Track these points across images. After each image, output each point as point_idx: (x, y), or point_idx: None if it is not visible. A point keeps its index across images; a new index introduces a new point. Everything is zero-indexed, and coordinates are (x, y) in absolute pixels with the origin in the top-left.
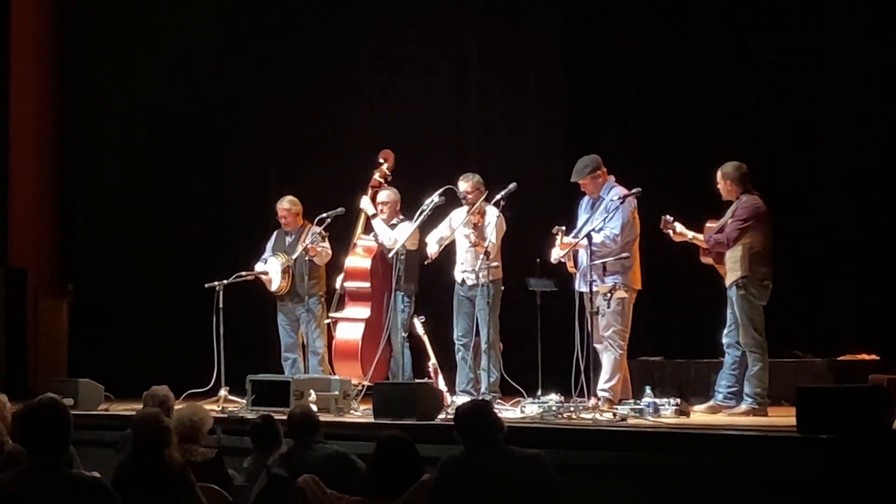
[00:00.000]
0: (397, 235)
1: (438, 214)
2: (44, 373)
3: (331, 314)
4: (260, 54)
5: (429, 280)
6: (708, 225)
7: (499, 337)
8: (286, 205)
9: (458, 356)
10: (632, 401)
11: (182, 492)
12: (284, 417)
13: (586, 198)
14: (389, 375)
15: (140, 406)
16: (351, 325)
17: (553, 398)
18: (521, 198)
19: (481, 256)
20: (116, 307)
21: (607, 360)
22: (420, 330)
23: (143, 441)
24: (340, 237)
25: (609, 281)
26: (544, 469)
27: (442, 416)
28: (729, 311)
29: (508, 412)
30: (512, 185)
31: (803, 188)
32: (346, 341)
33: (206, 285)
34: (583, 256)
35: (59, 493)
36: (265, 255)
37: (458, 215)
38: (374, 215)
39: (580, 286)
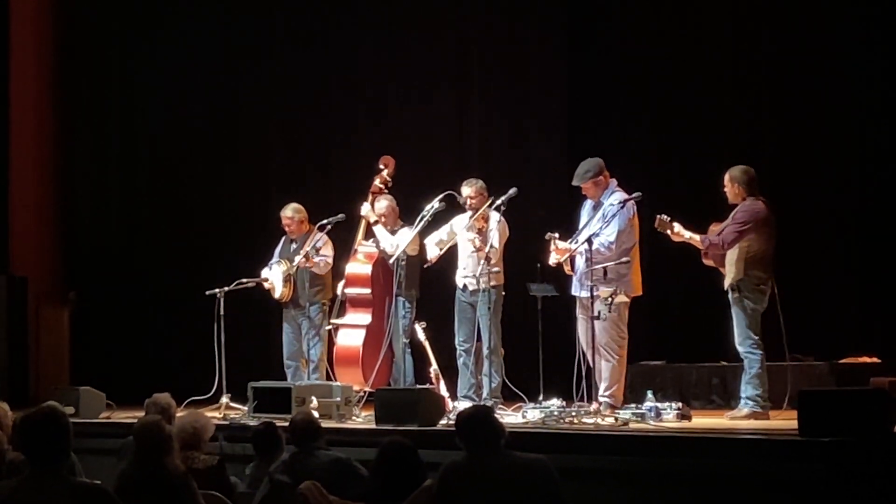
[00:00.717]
0: (398, 241)
1: (439, 220)
2: (45, 381)
3: (332, 320)
4: (261, 60)
5: (430, 285)
6: (712, 228)
7: (500, 342)
8: (289, 213)
9: (460, 362)
10: (633, 405)
11: (184, 499)
12: (286, 424)
13: (588, 201)
14: (391, 381)
15: (142, 414)
16: (352, 332)
17: (555, 403)
18: (523, 203)
19: (482, 261)
20: (118, 315)
21: (605, 367)
22: (421, 335)
23: (145, 449)
24: (342, 243)
25: (611, 286)
26: (546, 474)
27: (444, 421)
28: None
29: (510, 417)
30: (513, 190)
31: (806, 191)
32: (347, 348)
33: (207, 292)
34: (579, 261)
35: (61, 500)
36: (272, 262)
37: (459, 221)
38: (376, 222)
39: (576, 290)
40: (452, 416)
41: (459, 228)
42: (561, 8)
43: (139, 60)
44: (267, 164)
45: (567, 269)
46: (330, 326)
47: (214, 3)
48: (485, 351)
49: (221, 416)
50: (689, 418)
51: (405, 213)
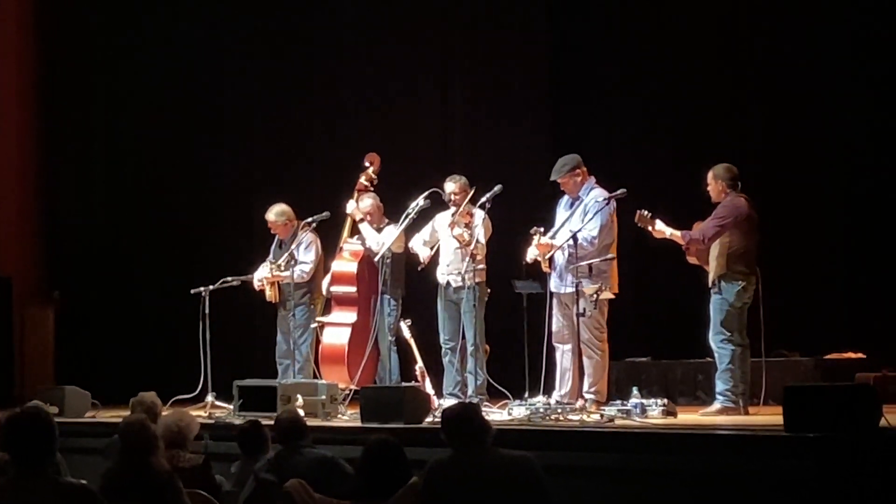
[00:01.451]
0: (384, 239)
1: (424, 217)
2: (30, 381)
3: (317, 318)
4: (245, 60)
5: (415, 283)
6: (695, 226)
7: (485, 339)
8: (272, 217)
9: (445, 359)
10: (619, 402)
11: (169, 498)
12: (272, 422)
13: (565, 197)
14: (376, 379)
15: (127, 413)
16: (338, 330)
17: (540, 400)
18: (507, 200)
19: (467, 259)
20: (102, 314)
21: (589, 364)
22: (406, 333)
23: (130, 448)
24: (327, 241)
25: (596, 283)
26: (532, 471)
27: (429, 419)
28: None
29: (496, 415)
30: (497, 187)
31: (791, 188)
32: (332, 346)
33: (192, 291)
34: (559, 257)
35: (47, 500)
36: (268, 259)
37: (442, 218)
38: (362, 219)
39: (556, 286)
40: (438, 413)
41: (442, 225)
42: (543, 4)
43: (122, 60)
44: (251, 163)
45: (545, 265)
46: (315, 324)
47: (198, 2)
48: (469, 348)
49: (207, 414)
50: (674, 415)
51: (390, 210)
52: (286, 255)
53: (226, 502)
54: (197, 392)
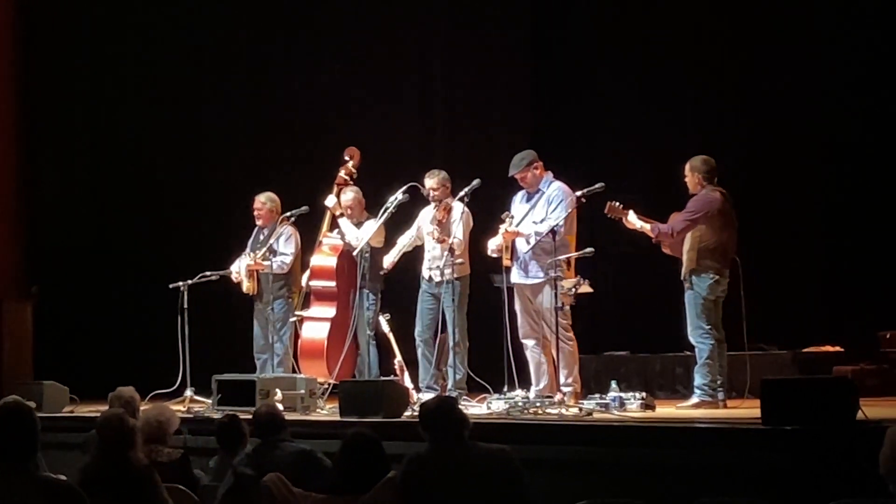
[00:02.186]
0: (362, 234)
1: (403, 212)
2: (8, 375)
3: (296, 312)
4: (226, 53)
5: (394, 278)
6: (672, 217)
7: (466, 334)
8: (262, 199)
9: (419, 352)
10: (598, 395)
11: (148, 493)
12: (250, 417)
13: (520, 192)
14: (355, 373)
15: (105, 407)
16: (317, 325)
17: (519, 394)
18: (486, 195)
19: (446, 253)
20: (81, 309)
21: (562, 356)
22: (385, 328)
23: (109, 442)
24: (306, 235)
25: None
26: (510, 465)
27: (408, 413)
28: None
29: (475, 409)
30: (476, 181)
31: (770, 181)
32: (311, 340)
33: (171, 286)
34: (522, 248)
35: (29, 496)
36: (244, 254)
37: (427, 214)
38: (341, 214)
39: (521, 278)
40: (416, 407)
41: (425, 220)
42: (525, 1)
43: (104, 53)
44: (232, 159)
45: (506, 258)
46: (294, 318)
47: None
48: (450, 342)
49: (185, 409)
50: (653, 408)
51: (370, 204)
52: (265, 247)
53: (204, 496)
54: (175, 387)
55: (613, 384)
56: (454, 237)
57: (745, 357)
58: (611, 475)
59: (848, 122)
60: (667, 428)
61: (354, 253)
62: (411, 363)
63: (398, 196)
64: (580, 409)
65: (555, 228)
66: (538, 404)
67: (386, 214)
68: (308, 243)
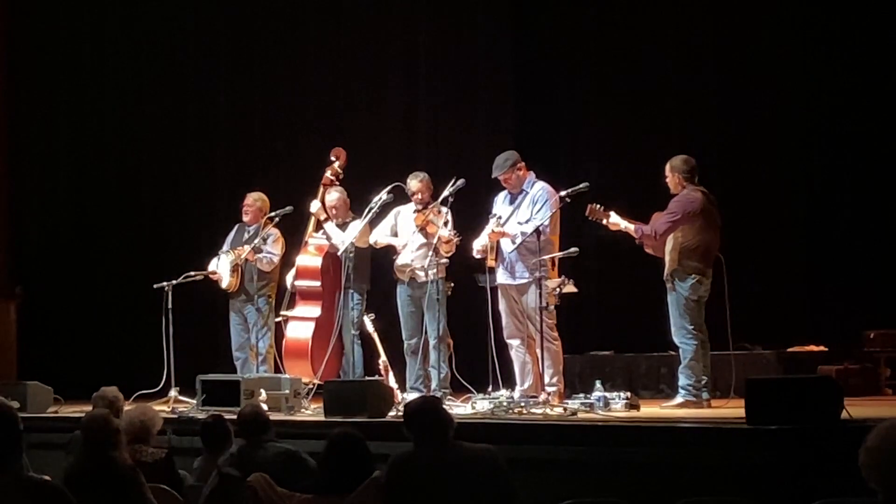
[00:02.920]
0: (346, 237)
1: (387, 212)
2: None
3: (282, 312)
4: (209, 52)
5: (379, 277)
6: (654, 217)
7: (448, 333)
8: (254, 196)
9: (408, 354)
10: (582, 395)
11: (132, 493)
12: (234, 417)
13: (502, 193)
14: (340, 373)
15: (89, 408)
16: (301, 324)
17: (504, 394)
18: (470, 196)
19: (430, 253)
20: (65, 309)
21: (547, 355)
22: (370, 327)
23: (93, 442)
24: (291, 236)
25: (558, 276)
26: (495, 464)
27: (392, 413)
28: None
29: (459, 408)
30: (460, 182)
31: (754, 180)
32: (296, 340)
33: (155, 286)
34: (507, 249)
35: (14, 496)
36: (221, 251)
37: (405, 211)
38: (326, 219)
39: (506, 279)
40: (401, 407)
41: (405, 219)
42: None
43: (87, 53)
44: (215, 159)
45: (490, 259)
46: (279, 318)
47: (161, 1)
48: (432, 342)
49: (170, 409)
50: (637, 408)
51: (354, 204)
52: (258, 239)
53: (189, 497)
54: (160, 387)
55: (598, 384)
56: (440, 234)
57: (730, 357)
58: (595, 475)
59: (832, 121)
60: (651, 428)
61: (339, 253)
62: (396, 363)
63: (382, 196)
64: (565, 409)
65: (539, 228)
66: (523, 404)
67: (370, 215)
68: (291, 244)
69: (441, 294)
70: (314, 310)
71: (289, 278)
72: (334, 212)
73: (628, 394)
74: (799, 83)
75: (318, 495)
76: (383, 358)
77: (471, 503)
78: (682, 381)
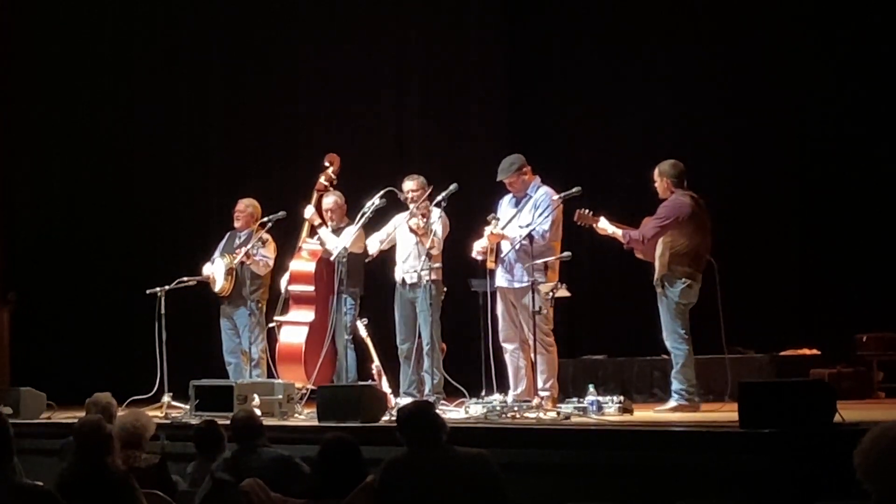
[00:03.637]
0: (339, 243)
1: (381, 217)
2: None
3: (275, 317)
4: (201, 58)
5: (372, 282)
6: (644, 221)
7: (441, 337)
8: (246, 202)
9: (402, 358)
10: (575, 399)
11: (125, 499)
12: (228, 422)
13: (507, 196)
14: (333, 378)
15: (83, 413)
16: (295, 329)
17: (497, 398)
18: (463, 199)
19: (423, 257)
20: (58, 315)
21: (542, 361)
22: (363, 332)
23: (86, 448)
24: (286, 240)
25: (553, 280)
26: (488, 469)
27: (386, 417)
28: None
29: (452, 413)
30: (453, 186)
31: (746, 185)
32: (289, 345)
33: (148, 291)
34: (507, 252)
35: (7, 502)
36: (214, 256)
37: (401, 218)
38: (320, 224)
39: (506, 282)
40: (395, 412)
41: (400, 224)
42: (500, 4)
43: (80, 56)
44: (207, 165)
45: (490, 262)
46: (273, 324)
47: (155, 3)
48: (425, 347)
49: (163, 414)
50: (630, 412)
51: (347, 209)
52: (251, 243)
53: (182, 502)
54: (153, 392)
55: (591, 388)
56: (434, 235)
57: (725, 360)
58: (589, 479)
59: (824, 126)
60: (644, 432)
61: (332, 258)
62: (389, 368)
63: (375, 200)
64: (558, 413)
65: (532, 233)
66: (516, 408)
67: (364, 219)
68: (285, 250)
69: (434, 299)
70: (308, 314)
71: (282, 283)
72: (330, 215)
73: (621, 398)
74: (792, 88)
75: (311, 500)
76: (376, 363)
77: None
78: (675, 385)
